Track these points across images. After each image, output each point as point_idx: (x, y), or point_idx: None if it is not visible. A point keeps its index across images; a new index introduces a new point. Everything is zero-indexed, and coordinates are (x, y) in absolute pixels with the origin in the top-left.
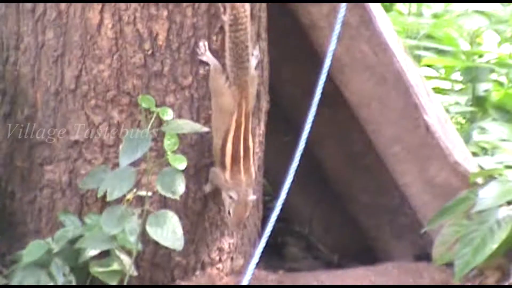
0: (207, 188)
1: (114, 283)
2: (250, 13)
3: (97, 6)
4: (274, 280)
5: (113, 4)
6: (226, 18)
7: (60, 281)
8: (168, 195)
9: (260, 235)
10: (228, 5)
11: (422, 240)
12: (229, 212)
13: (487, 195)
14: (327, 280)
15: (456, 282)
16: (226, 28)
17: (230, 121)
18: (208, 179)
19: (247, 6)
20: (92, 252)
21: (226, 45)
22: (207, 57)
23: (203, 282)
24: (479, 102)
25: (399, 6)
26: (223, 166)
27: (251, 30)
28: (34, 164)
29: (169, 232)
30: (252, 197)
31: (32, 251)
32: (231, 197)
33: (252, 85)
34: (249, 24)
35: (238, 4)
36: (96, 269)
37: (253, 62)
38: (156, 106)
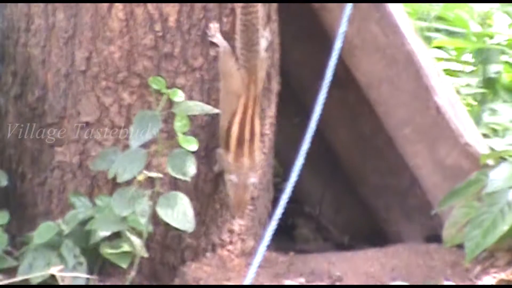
0: (216, 168)
1: (125, 264)
2: None
3: None
4: (284, 262)
5: None
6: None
7: (71, 262)
8: (179, 176)
9: (270, 217)
10: None
11: (432, 222)
12: (229, 195)
13: (497, 177)
14: (337, 261)
15: (466, 264)
16: (237, 10)
17: (238, 103)
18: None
19: None
20: (103, 233)
21: (237, 27)
22: (217, 38)
23: (213, 263)
24: (490, 83)
25: None
26: (227, 148)
27: (262, 13)
28: (44, 146)
29: (180, 213)
30: (252, 180)
31: (42, 232)
32: (231, 180)
33: (261, 68)
34: (261, 6)
35: None
36: (107, 251)
37: (263, 44)
38: (167, 87)
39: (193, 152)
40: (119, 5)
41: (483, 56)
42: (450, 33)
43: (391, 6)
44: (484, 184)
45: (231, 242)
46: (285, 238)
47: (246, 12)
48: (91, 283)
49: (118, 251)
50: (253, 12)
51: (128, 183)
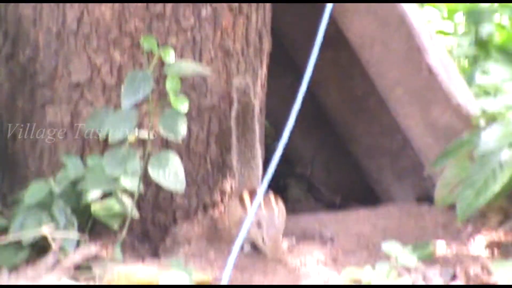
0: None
1: (116, 225)
2: None
3: None
4: None
5: None
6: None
7: (62, 222)
8: (170, 136)
9: (262, 177)
10: None
11: (424, 182)
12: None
13: (489, 138)
14: (329, 222)
15: (458, 224)
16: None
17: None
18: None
19: None
20: (94, 193)
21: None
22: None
23: (204, 224)
24: (482, 44)
25: None
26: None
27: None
28: (36, 106)
29: (171, 173)
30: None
31: (33, 192)
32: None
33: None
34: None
35: None
36: (98, 211)
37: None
38: (158, 47)
39: (184, 112)
40: None
41: (475, 17)
42: None
43: None
44: (475, 145)
45: (222, 202)
46: None
47: None
48: (82, 243)
49: (109, 211)
50: None
51: (120, 143)
